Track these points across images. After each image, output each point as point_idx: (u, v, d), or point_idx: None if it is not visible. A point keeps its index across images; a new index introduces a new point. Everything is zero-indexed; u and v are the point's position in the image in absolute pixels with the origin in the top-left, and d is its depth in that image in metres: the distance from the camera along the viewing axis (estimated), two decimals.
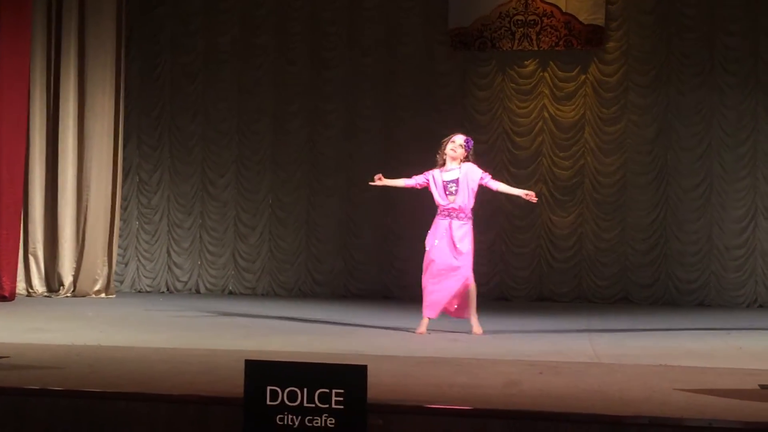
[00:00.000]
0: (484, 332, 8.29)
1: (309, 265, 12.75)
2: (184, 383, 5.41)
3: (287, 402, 4.70)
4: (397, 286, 12.46)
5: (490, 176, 8.34)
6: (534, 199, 8.39)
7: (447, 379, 5.65)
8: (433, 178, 8.35)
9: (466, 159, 8.33)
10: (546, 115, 12.40)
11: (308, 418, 4.67)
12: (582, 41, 12.19)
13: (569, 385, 5.48)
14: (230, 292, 12.83)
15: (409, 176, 8.59)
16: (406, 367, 6.09)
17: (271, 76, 12.91)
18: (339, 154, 12.74)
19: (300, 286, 12.73)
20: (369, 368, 4.71)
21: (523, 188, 12.05)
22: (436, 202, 8.38)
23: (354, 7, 12.71)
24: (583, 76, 12.32)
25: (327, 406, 4.68)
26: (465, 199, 8.26)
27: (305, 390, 4.69)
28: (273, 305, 11.30)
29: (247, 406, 4.71)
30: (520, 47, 12.33)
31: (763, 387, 5.46)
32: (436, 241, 8.33)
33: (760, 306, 11.71)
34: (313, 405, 4.67)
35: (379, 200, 12.61)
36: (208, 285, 12.93)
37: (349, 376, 4.72)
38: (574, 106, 12.36)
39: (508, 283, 12.35)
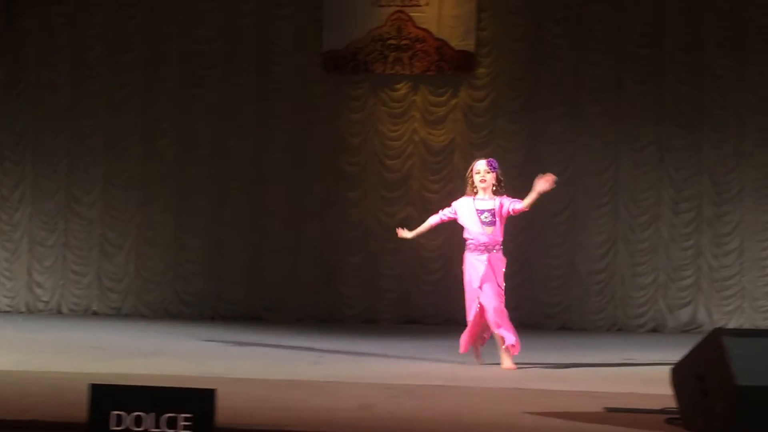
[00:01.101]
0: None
1: (176, 285, 12.54)
2: (28, 407, 5.24)
3: (133, 427, 4.58)
4: (265, 308, 12.38)
5: (515, 200, 7.81)
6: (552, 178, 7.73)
7: (301, 402, 5.62)
8: (458, 212, 7.92)
9: (499, 183, 7.88)
10: (417, 138, 12.53)
11: None
12: (453, 66, 12.37)
13: (422, 408, 5.52)
14: (94, 313, 12.51)
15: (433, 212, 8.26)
16: (261, 391, 6.04)
17: (140, 93, 12.69)
18: (209, 174, 12.59)
19: (167, 307, 12.50)
20: (223, 392, 4.65)
21: (394, 210, 12.45)
22: (468, 234, 7.87)
23: (227, 26, 12.61)
24: (454, 101, 12.49)
25: (173, 431, 4.60)
26: (499, 231, 7.81)
27: (152, 415, 4.60)
28: (137, 326, 11.08)
29: (89, 431, 4.59)
30: (392, 71, 12.44)
31: (608, 410, 5.60)
32: (479, 280, 7.84)
33: (619, 329, 12.02)
34: (160, 430, 4.57)
35: (249, 221, 12.53)
36: (70, 305, 12.58)
37: (198, 400, 4.64)
38: (444, 130, 12.51)
39: (376, 305, 12.39)
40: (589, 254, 12.21)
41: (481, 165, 7.92)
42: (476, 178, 7.89)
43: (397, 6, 12.35)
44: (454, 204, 8.04)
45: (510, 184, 12.23)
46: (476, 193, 7.91)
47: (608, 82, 12.26)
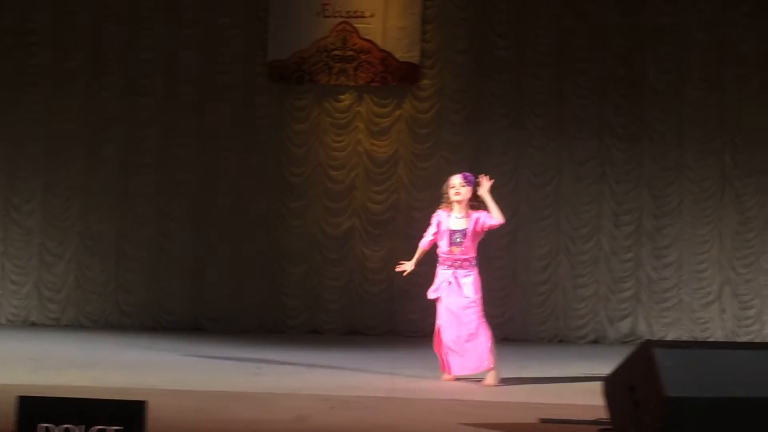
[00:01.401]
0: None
1: (117, 296, 12.38)
2: None
3: None
4: (208, 319, 12.27)
5: (489, 216, 7.83)
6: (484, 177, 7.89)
7: (236, 414, 5.58)
8: (439, 225, 7.89)
9: (476, 198, 7.87)
10: (361, 149, 12.53)
11: None
12: (397, 78, 12.40)
13: (358, 419, 5.51)
14: (33, 323, 12.31)
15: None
16: (196, 402, 5.98)
17: (83, 101, 12.52)
18: (153, 183, 12.47)
19: (107, 318, 12.34)
20: (158, 404, 4.62)
21: (339, 221, 12.45)
22: (439, 249, 7.92)
23: (171, 34, 12.51)
24: (398, 112, 12.51)
25: None
26: (469, 248, 7.83)
27: (81, 427, 4.54)
28: (76, 337, 10.94)
29: None
30: (337, 82, 12.43)
31: (542, 420, 5.64)
32: (443, 293, 7.85)
33: (561, 341, 12.12)
34: None
35: (192, 231, 12.42)
36: (9, 316, 12.37)
37: (127, 412, 4.60)
38: (388, 141, 12.53)
39: (319, 316, 12.35)
40: (532, 266, 12.30)
41: (456, 179, 7.92)
42: (451, 192, 7.88)
43: (342, 17, 12.36)
44: (435, 217, 7.97)
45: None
46: (452, 208, 7.89)
47: (551, 95, 12.36)
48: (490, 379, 7.67)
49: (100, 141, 12.51)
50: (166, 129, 12.49)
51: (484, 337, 7.75)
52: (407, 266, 8.12)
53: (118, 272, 12.43)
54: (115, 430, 4.54)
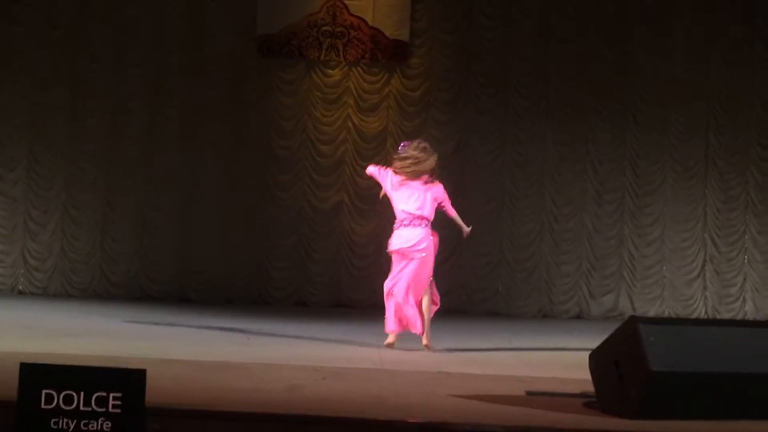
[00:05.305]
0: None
1: (104, 265, 12.44)
2: None
3: (63, 405, 4.63)
4: (194, 289, 12.36)
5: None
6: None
7: (230, 383, 5.69)
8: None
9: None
10: (350, 124, 12.61)
11: (84, 422, 4.62)
12: (387, 55, 12.47)
13: (349, 390, 5.63)
14: (20, 292, 12.37)
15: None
16: (190, 372, 6.09)
17: (70, 71, 12.50)
18: (139, 154, 12.50)
19: (94, 287, 12.41)
20: (152, 372, 4.71)
21: (326, 195, 12.58)
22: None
23: (160, 5, 12.52)
24: (387, 89, 12.60)
25: (104, 410, 4.64)
26: None
27: (82, 394, 4.65)
28: (64, 306, 11.01)
29: (19, 409, 4.62)
30: (326, 57, 12.50)
31: (529, 393, 5.78)
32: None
33: (544, 316, 12.31)
34: (90, 409, 4.62)
35: (177, 201, 12.48)
36: None
37: (127, 380, 4.70)
38: (377, 118, 12.62)
39: (306, 288, 12.47)
40: (516, 242, 12.45)
41: None
42: None
43: None
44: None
45: (440, 173, 12.45)
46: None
47: (536, 76, 12.48)
48: None
49: (85, 111, 12.51)
50: (154, 100, 12.52)
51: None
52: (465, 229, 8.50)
53: (104, 242, 12.48)
54: (115, 397, 4.65)
